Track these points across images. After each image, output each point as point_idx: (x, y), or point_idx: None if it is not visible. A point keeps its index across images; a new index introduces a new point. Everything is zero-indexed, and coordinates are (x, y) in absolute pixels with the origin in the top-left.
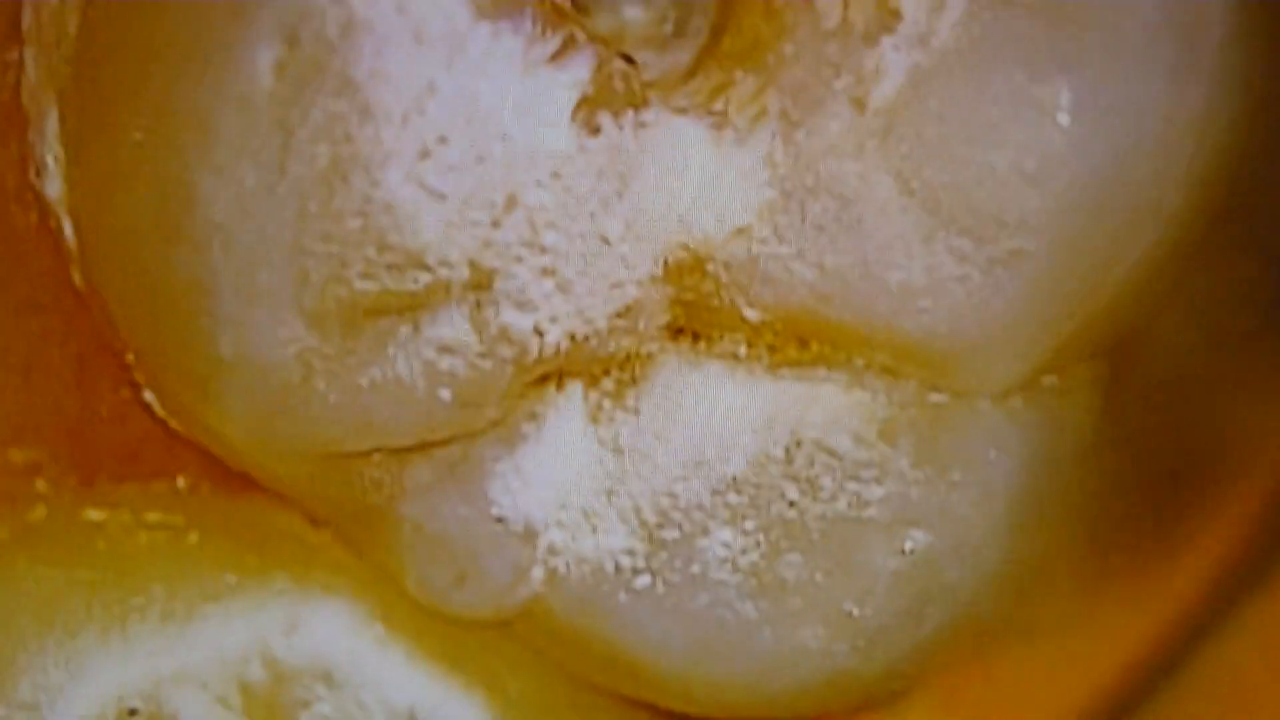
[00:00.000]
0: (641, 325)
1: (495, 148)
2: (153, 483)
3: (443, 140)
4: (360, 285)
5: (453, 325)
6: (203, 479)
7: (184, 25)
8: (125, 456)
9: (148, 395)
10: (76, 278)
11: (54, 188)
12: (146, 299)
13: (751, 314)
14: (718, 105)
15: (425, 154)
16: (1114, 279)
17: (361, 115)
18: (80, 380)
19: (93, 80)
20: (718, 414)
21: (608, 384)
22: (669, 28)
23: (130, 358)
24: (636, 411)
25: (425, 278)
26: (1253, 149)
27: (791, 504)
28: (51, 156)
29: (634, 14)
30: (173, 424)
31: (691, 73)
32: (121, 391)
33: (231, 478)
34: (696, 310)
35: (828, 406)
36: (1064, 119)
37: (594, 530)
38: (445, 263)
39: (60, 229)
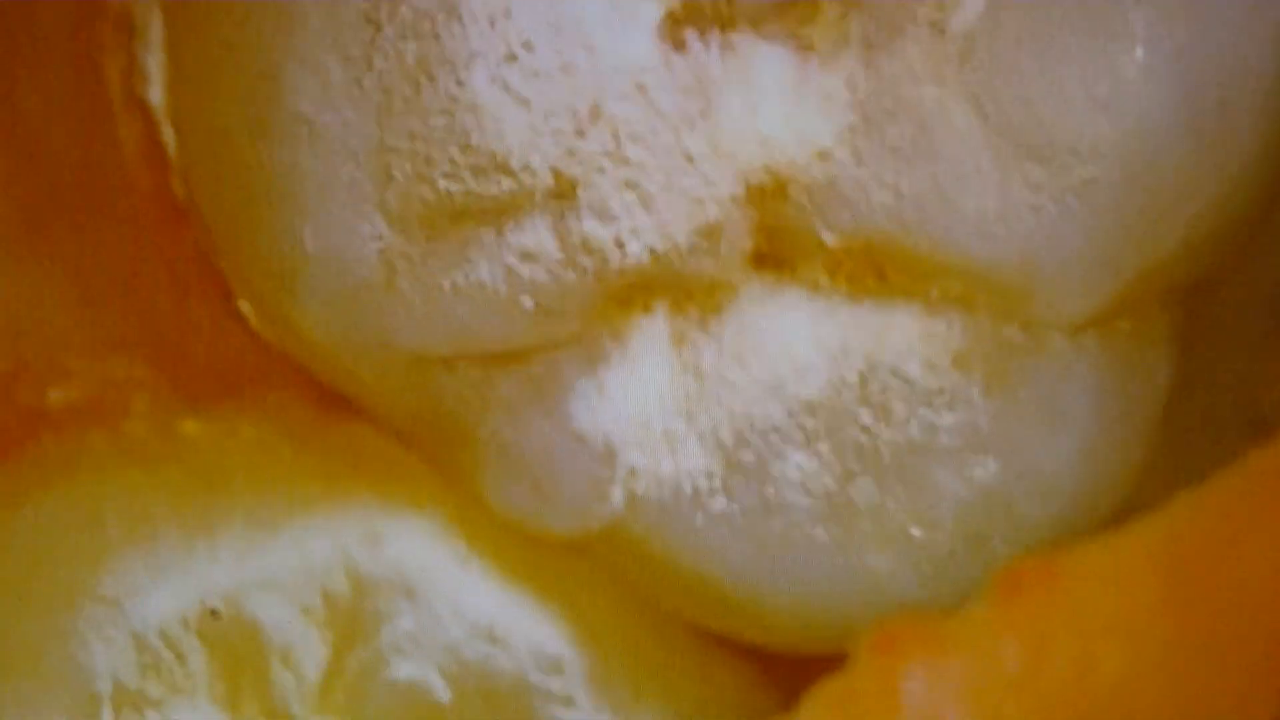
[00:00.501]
0: (723, 248)
1: (580, 57)
2: (247, 398)
3: (528, 45)
4: (444, 186)
5: (535, 232)
6: (296, 396)
7: None
8: (221, 371)
9: (243, 305)
10: (178, 187)
11: (157, 94)
12: (238, 195)
13: (830, 238)
14: (803, 31)
15: (511, 58)
16: (1188, 215)
17: (449, 14)
18: (179, 294)
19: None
20: (796, 340)
21: (692, 310)
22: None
23: (225, 264)
24: (719, 337)
25: (508, 183)
26: None
27: (864, 429)
28: (155, 63)
29: None
30: (266, 335)
31: (777, 3)
32: (218, 305)
33: (323, 395)
34: (777, 236)
35: (903, 334)
36: (1138, 46)
37: (672, 452)
38: (528, 169)
39: (163, 139)
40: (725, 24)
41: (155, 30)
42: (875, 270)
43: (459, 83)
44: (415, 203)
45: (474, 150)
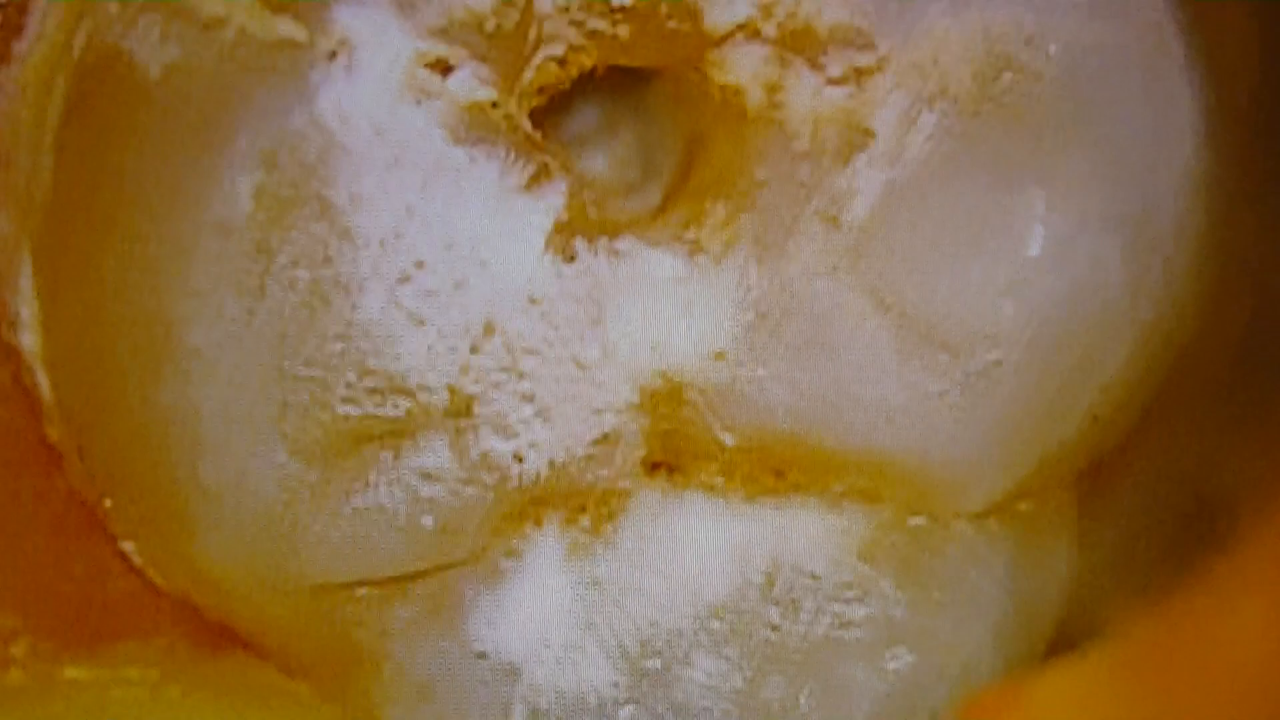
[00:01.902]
0: (620, 456)
1: (473, 273)
2: (132, 640)
3: (421, 265)
4: (342, 410)
5: (434, 452)
6: (183, 634)
7: (160, 156)
8: (103, 614)
9: (126, 545)
10: (51, 432)
11: (29, 340)
12: (128, 435)
13: (729, 439)
14: (690, 234)
15: (405, 278)
16: (1089, 393)
17: (341, 238)
18: (54, 540)
19: (68, 222)
20: (696, 544)
21: (584, 520)
22: (634, 174)
23: (108, 504)
24: (615, 545)
25: (406, 403)
26: (1226, 256)
27: (773, 627)
28: (26, 309)
29: (596, 165)
30: (151, 574)
31: (662, 210)
32: (98, 548)
33: (209, 634)
34: (673, 441)
35: (806, 532)
36: (1039, 229)
37: (575, 664)
38: (425, 388)
39: (34, 383)
40: (612, 231)
41: (25, 278)
42: (773, 470)
43: (354, 306)
44: (314, 429)
45: (371, 373)
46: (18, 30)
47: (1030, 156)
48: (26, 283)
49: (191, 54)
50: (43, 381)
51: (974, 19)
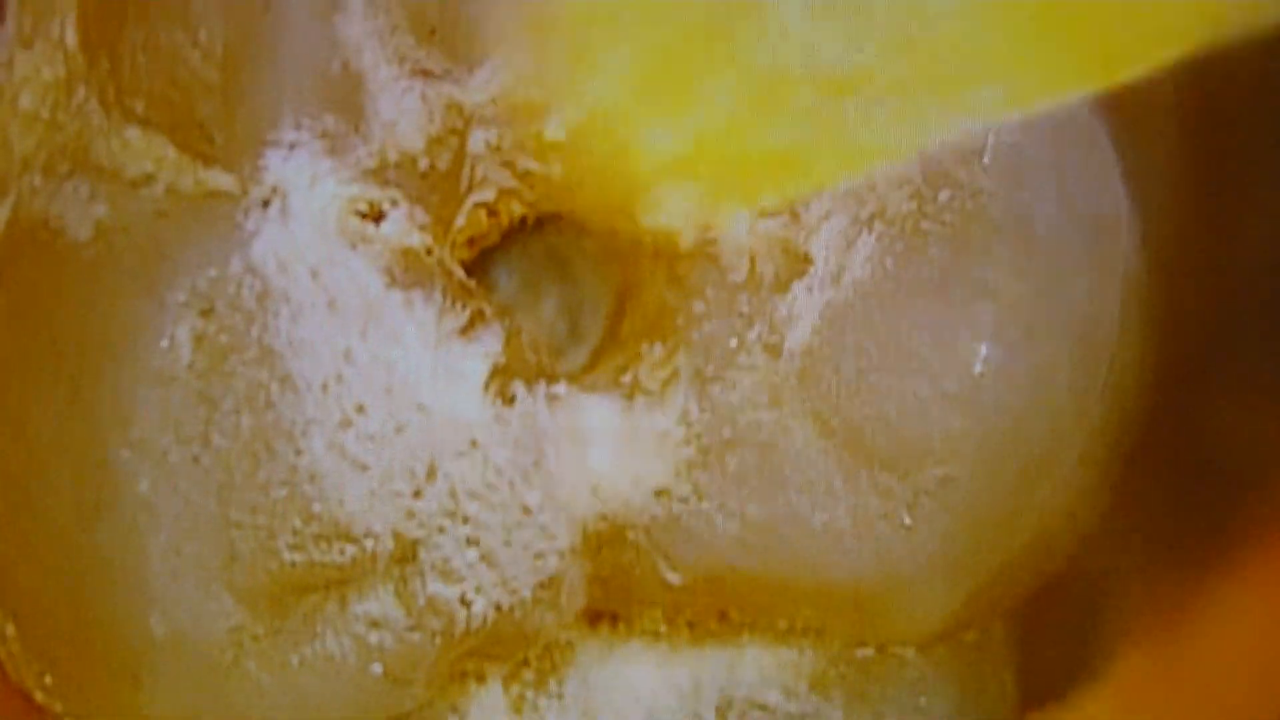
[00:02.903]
0: (564, 601)
1: (413, 417)
2: None
3: (361, 409)
4: (288, 557)
5: (380, 599)
6: None
7: (95, 311)
8: None
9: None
10: None
11: None
12: (70, 595)
13: (673, 577)
14: (627, 378)
15: (346, 423)
16: (1039, 501)
17: (282, 384)
18: None
19: (3, 382)
20: (643, 687)
21: (528, 675)
22: (561, 334)
23: (48, 681)
24: (560, 696)
25: (351, 549)
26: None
27: None
28: None
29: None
30: None
31: (592, 365)
32: None
33: None
34: (616, 587)
35: (755, 666)
36: (985, 339)
37: None
38: (370, 534)
39: None
40: (550, 377)
41: None
42: (717, 612)
43: (297, 451)
44: (261, 576)
45: (316, 519)
46: None
47: (973, 271)
48: None
49: (121, 211)
50: None
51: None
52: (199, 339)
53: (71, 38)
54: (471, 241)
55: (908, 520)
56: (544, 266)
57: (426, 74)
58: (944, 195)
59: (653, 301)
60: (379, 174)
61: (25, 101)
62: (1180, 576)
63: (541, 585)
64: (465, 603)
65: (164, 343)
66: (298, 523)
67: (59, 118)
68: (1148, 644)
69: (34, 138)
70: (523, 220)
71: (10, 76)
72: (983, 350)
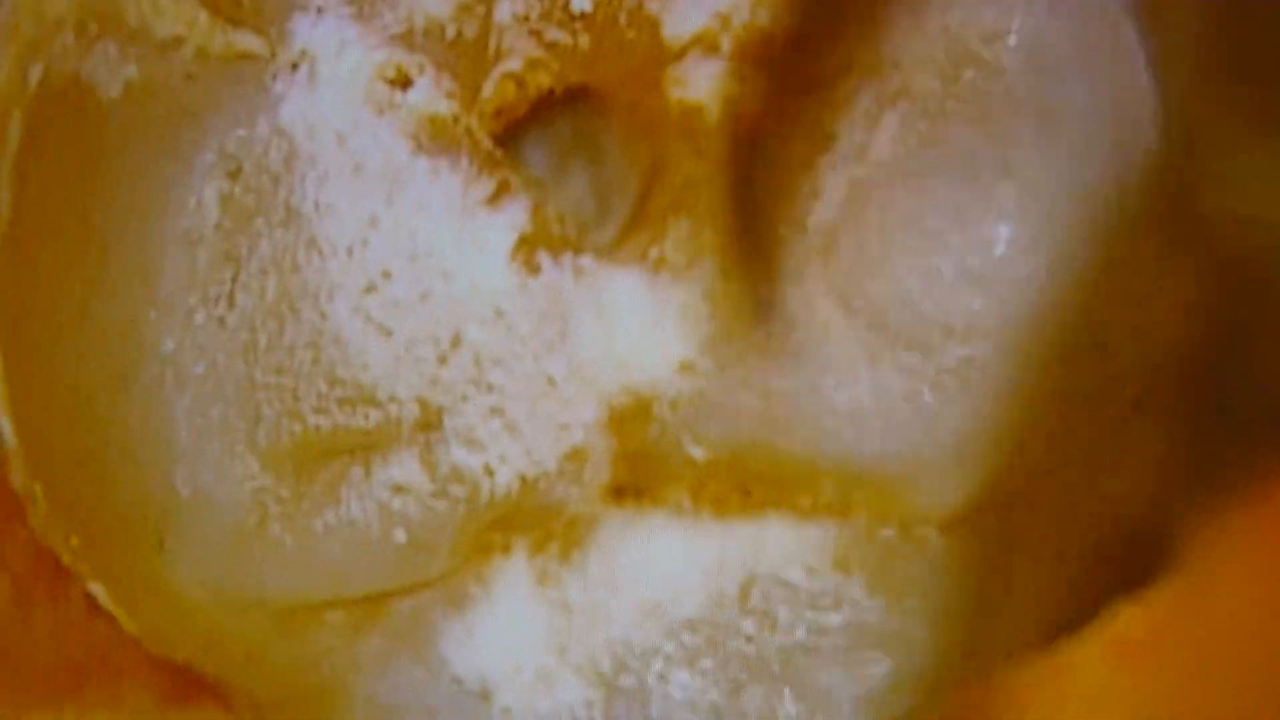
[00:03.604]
0: (588, 474)
1: (437, 285)
2: (98, 691)
3: (386, 275)
4: (313, 421)
5: (404, 465)
6: (149, 687)
7: (123, 172)
8: (70, 666)
9: (93, 588)
10: (14, 478)
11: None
12: (98, 455)
13: (697, 452)
14: (654, 251)
15: (371, 288)
16: (1059, 388)
17: (308, 247)
18: (18, 592)
19: (29, 252)
20: (667, 561)
21: (552, 547)
22: (589, 212)
23: (74, 542)
24: (583, 569)
25: (375, 414)
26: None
27: (749, 639)
28: None
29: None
30: (120, 616)
31: (620, 241)
32: (63, 598)
33: (178, 685)
34: (638, 462)
35: (778, 543)
36: (1007, 219)
37: (549, 687)
38: (394, 399)
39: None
40: (576, 248)
41: None
42: (740, 489)
43: (322, 314)
44: (285, 439)
45: (340, 383)
46: None
47: (996, 151)
48: None
49: (151, 73)
50: (4, 426)
51: (934, 19)
52: (225, 200)
53: None
54: (499, 113)
55: (929, 399)
56: (571, 145)
57: None
58: (968, 74)
59: (679, 178)
60: (405, 40)
61: None
62: (1198, 524)
63: (565, 457)
64: (489, 472)
65: (191, 203)
66: (322, 385)
67: None
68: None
69: (66, 1)
70: (550, 97)
71: None
72: (1004, 230)
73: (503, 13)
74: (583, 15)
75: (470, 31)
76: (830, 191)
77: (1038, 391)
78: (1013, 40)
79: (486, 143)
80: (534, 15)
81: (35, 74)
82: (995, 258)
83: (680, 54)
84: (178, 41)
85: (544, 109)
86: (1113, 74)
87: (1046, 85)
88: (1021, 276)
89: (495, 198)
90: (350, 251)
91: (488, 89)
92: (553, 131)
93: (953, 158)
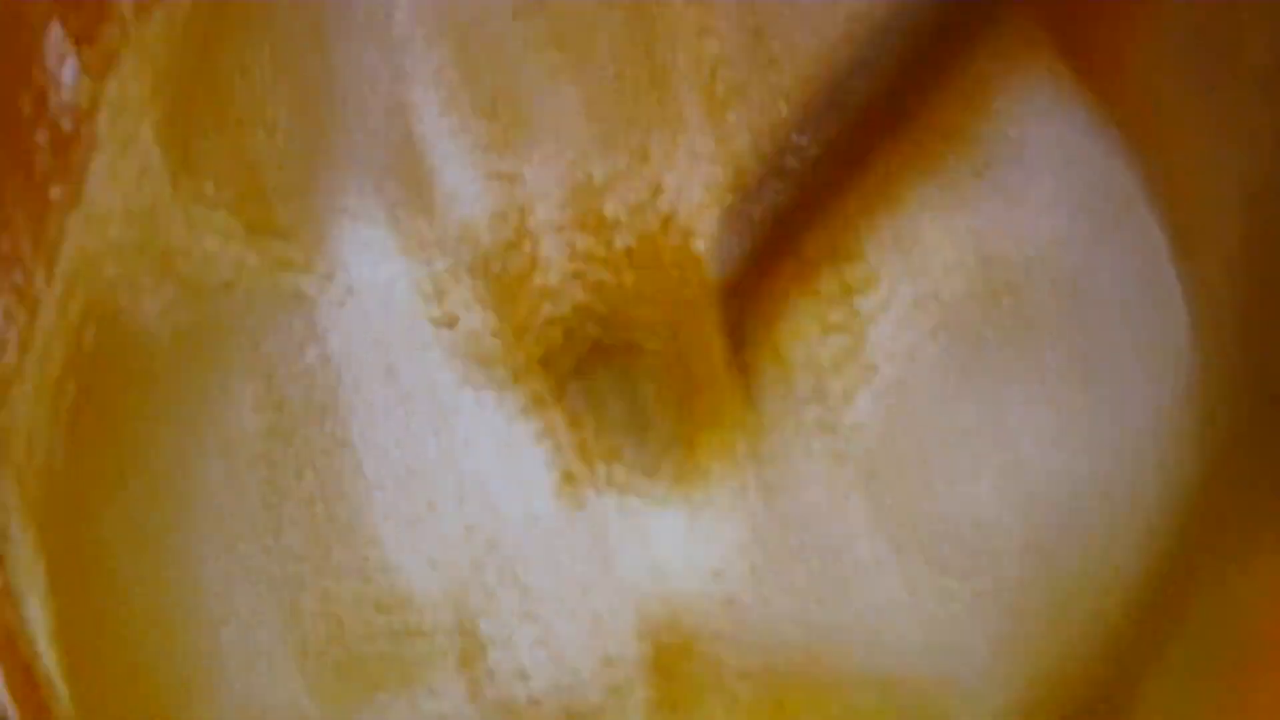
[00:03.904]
0: (625, 691)
1: (482, 516)
2: None
3: (431, 507)
4: (359, 649)
5: (450, 696)
6: None
7: (170, 408)
8: None
9: None
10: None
11: (44, 647)
12: (144, 693)
13: (732, 662)
14: (693, 479)
15: (417, 519)
16: (1096, 600)
17: (353, 476)
18: None
19: (79, 497)
20: None
21: None
22: (631, 443)
23: None
24: None
25: (422, 644)
26: (1233, 468)
27: None
28: (40, 614)
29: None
30: None
31: (659, 467)
32: None
33: None
34: (674, 677)
35: None
36: (1043, 441)
37: None
38: (440, 628)
39: (55, 701)
40: (619, 486)
41: (39, 580)
42: (774, 702)
43: (368, 543)
44: (331, 668)
45: (386, 611)
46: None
47: (1032, 372)
48: (42, 588)
49: (200, 315)
50: (60, 690)
51: (971, 250)
52: (271, 430)
53: (148, 132)
54: (546, 362)
55: (966, 621)
56: (613, 380)
57: (490, 150)
58: (1006, 302)
59: (718, 410)
60: (442, 247)
61: (100, 202)
62: None
63: (610, 690)
64: (535, 703)
65: (236, 434)
66: (369, 614)
67: (132, 212)
68: None
69: (120, 261)
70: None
71: (95, 209)
72: (1041, 455)
73: (541, 230)
74: (627, 250)
75: (515, 266)
76: (871, 423)
77: (1073, 613)
78: (1053, 272)
79: (531, 381)
80: (579, 248)
81: (90, 334)
82: (1031, 476)
83: (724, 288)
84: (229, 286)
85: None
86: (1151, 311)
87: (1083, 316)
88: (1057, 501)
89: (540, 435)
90: (396, 482)
91: (533, 333)
92: (595, 366)
93: (991, 384)
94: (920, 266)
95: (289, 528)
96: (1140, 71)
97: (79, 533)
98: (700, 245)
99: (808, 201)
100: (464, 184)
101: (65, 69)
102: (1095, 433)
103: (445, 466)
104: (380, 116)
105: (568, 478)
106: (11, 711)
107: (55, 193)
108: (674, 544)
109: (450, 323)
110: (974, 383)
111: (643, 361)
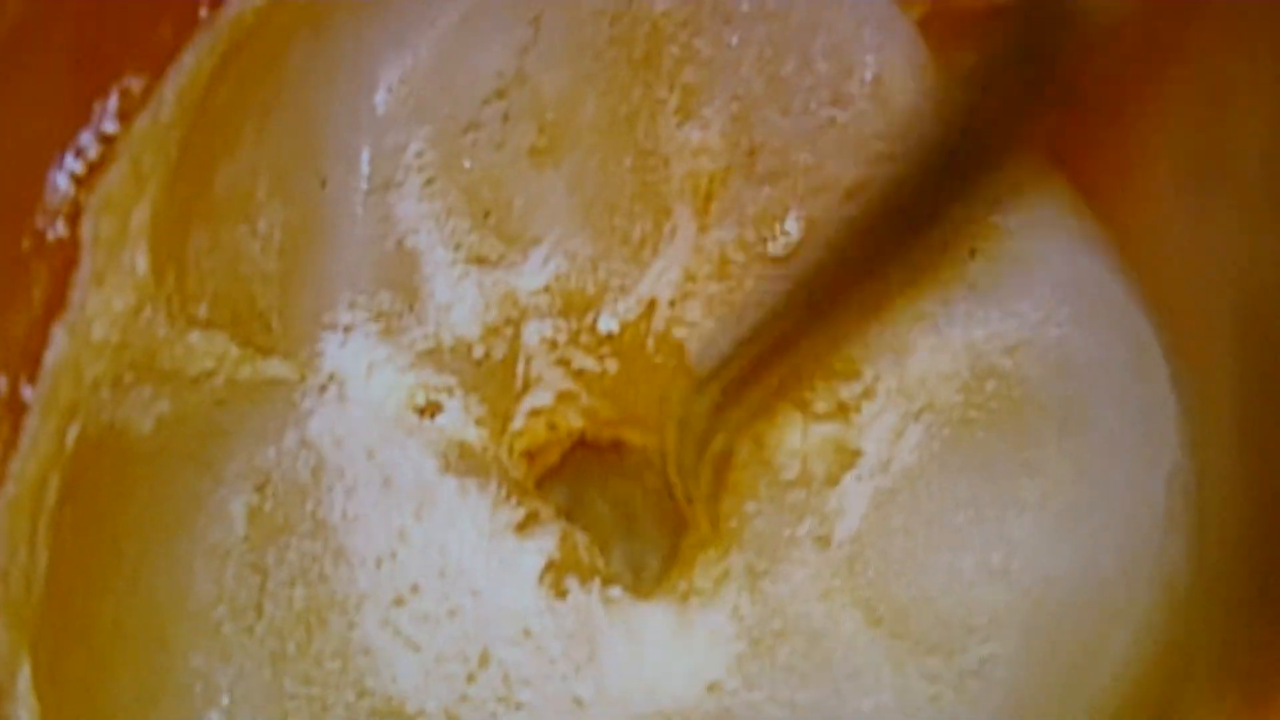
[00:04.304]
0: None
1: (466, 601)
2: None
3: (415, 589)
4: None
5: None
6: None
7: (152, 496)
8: None
9: None
10: None
11: None
12: None
13: None
14: (682, 584)
15: (399, 601)
16: (1088, 685)
17: (336, 558)
18: None
19: (65, 596)
20: None
21: None
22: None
23: None
24: None
25: None
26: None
27: None
28: (26, 712)
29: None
30: None
31: (659, 582)
32: None
33: None
34: None
35: None
36: (1029, 517)
37: None
38: (423, 713)
39: None
40: (605, 579)
41: (24, 681)
42: None
43: (350, 625)
44: None
45: (369, 694)
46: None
47: (1017, 450)
48: (25, 685)
49: (182, 405)
50: None
51: (957, 337)
52: (253, 512)
53: (142, 263)
54: (530, 456)
55: (952, 702)
56: (600, 477)
57: (481, 260)
58: (990, 385)
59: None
60: (434, 358)
61: (97, 332)
62: None
63: None
64: None
65: (218, 516)
66: (351, 696)
67: (128, 338)
68: None
69: (103, 362)
70: (580, 440)
71: (83, 314)
72: (1027, 526)
73: (530, 334)
74: (610, 336)
75: (498, 353)
76: (855, 504)
77: (1065, 685)
78: (1036, 349)
79: (515, 472)
80: (561, 340)
81: (72, 434)
82: (1016, 551)
83: (707, 379)
84: (209, 375)
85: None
86: (1137, 389)
87: (1070, 390)
88: (1044, 573)
89: (524, 525)
90: (379, 563)
91: (518, 422)
92: (580, 465)
93: (975, 460)
94: (915, 380)
95: (270, 608)
96: (1140, 193)
97: (68, 626)
98: (681, 333)
99: (799, 308)
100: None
101: (55, 173)
102: (1079, 503)
103: (428, 550)
104: (373, 225)
105: (552, 566)
106: None
107: (39, 297)
108: (660, 633)
109: (433, 411)
110: (958, 459)
111: (628, 459)
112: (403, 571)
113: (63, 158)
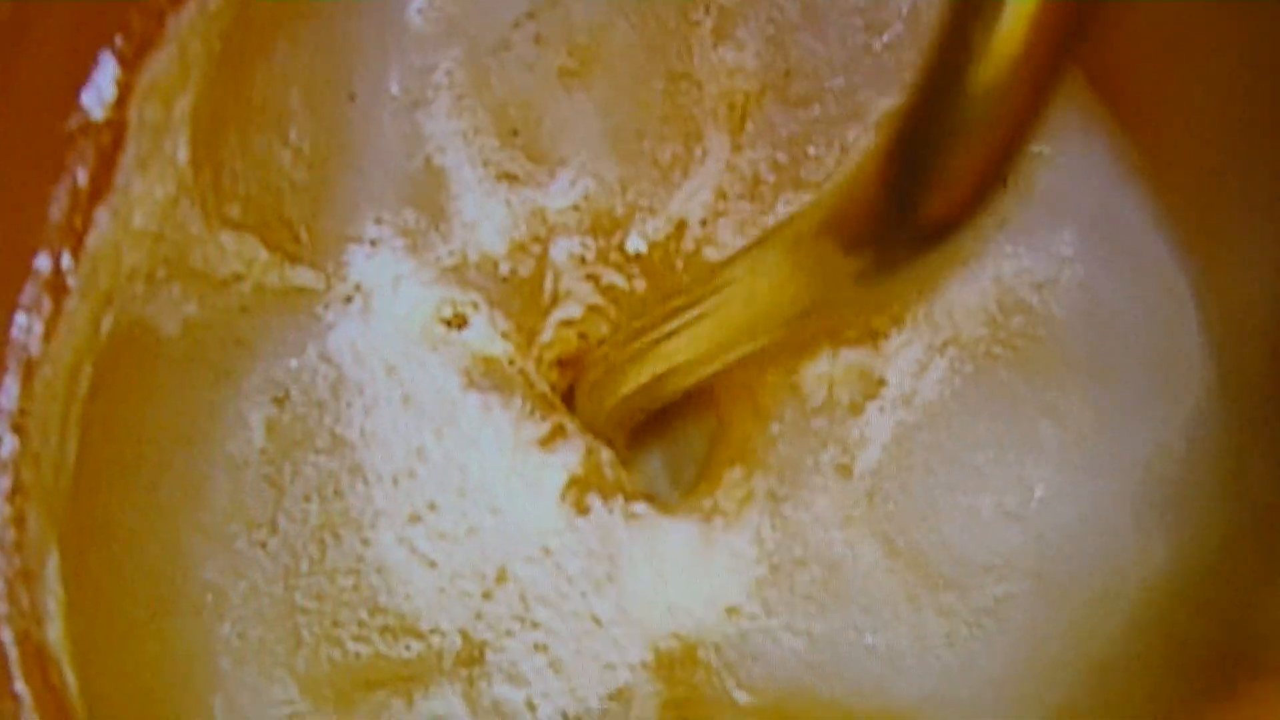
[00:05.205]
0: (633, 714)
1: (485, 519)
2: None
3: (433, 507)
4: (353, 648)
5: (445, 699)
6: None
7: (177, 402)
8: None
9: None
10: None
11: (54, 631)
12: (139, 684)
13: (741, 696)
14: (707, 502)
15: (416, 518)
16: (1098, 635)
17: (352, 474)
18: None
19: (91, 491)
20: None
21: None
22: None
23: None
24: None
25: (417, 645)
26: (1237, 502)
27: None
28: (53, 599)
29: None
30: None
31: (685, 497)
32: None
33: None
34: (686, 706)
35: None
36: (1047, 461)
37: None
38: (437, 631)
39: (63, 682)
40: (627, 493)
41: (52, 569)
42: None
43: (365, 542)
44: (325, 665)
45: (382, 611)
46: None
47: (1040, 392)
48: (53, 573)
49: (209, 308)
50: (68, 674)
51: (986, 272)
52: (271, 425)
53: (183, 154)
54: (562, 365)
55: (966, 642)
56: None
57: (510, 177)
58: (1017, 321)
59: (738, 435)
60: (459, 274)
61: (138, 219)
62: None
63: (610, 696)
64: (531, 707)
65: (237, 429)
66: (364, 614)
67: (165, 230)
68: None
69: (142, 251)
70: None
71: (127, 198)
72: (1045, 470)
73: (558, 251)
74: (639, 256)
75: (525, 270)
76: (877, 436)
77: (1075, 633)
78: (1064, 289)
79: (542, 385)
80: (590, 257)
81: (107, 324)
82: (1033, 494)
83: None
84: (237, 278)
85: None
86: (1165, 330)
87: (1096, 334)
88: (1060, 518)
89: (549, 440)
90: (396, 481)
91: (547, 334)
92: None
93: (997, 400)
94: (942, 310)
95: (285, 523)
96: (1181, 128)
97: (91, 530)
98: (712, 254)
99: None
100: (485, 214)
101: (100, 57)
102: (1099, 451)
103: (447, 467)
104: (400, 142)
105: (575, 482)
106: (26, 693)
107: (84, 180)
108: (682, 554)
109: (460, 323)
110: (980, 398)
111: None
112: (421, 489)
113: (112, 37)
